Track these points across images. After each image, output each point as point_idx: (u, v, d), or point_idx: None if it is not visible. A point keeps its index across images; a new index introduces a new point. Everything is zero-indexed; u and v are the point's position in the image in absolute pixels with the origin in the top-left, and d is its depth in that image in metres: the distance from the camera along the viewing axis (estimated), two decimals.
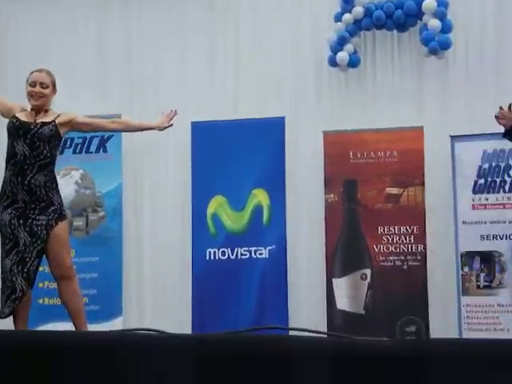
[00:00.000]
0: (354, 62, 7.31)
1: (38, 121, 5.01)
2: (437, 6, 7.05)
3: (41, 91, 5.04)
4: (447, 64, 7.25)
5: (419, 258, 7.06)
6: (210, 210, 7.41)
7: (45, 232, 4.92)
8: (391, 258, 7.14)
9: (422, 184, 7.10)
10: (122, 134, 7.45)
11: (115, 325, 7.13)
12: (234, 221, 7.41)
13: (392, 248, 7.14)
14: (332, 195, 7.31)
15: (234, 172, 7.39)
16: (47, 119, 5.05)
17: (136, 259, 7.60)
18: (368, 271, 7.19)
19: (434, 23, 7.03)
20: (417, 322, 6.98)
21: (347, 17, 7.24)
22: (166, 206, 7.64)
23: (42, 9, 7.91)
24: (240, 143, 7.41)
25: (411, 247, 7.10)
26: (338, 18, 7.30)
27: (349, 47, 7.27)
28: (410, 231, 7.12)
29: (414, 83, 7.36)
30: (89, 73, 7.68)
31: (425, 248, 7.05)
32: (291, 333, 5.97)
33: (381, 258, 7.15)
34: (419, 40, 7.18)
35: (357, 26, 7.26)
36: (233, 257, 7.36)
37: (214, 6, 7.74)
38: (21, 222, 4.93)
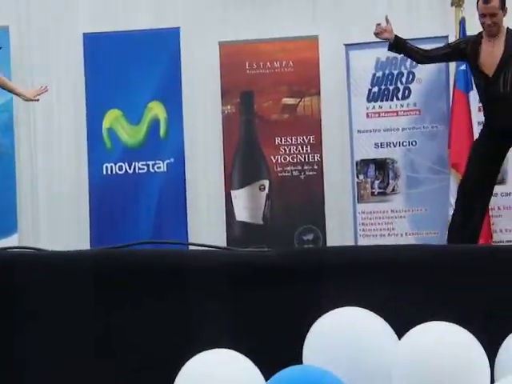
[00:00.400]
0: None
1: None
2: None
3: None
4: None
5: (316, 167, 7.13)
6: (106, 124, 7.27)
7: None
8: (288, 168, 7.19)
9: (318, 94, 7.12)
10: (11, 45, 7.23)
11: (10, 242, 6.97)
12: (130, 134, 7.29)
13: (289, 158, 7.18)
14: (229, 107, 7.26)
15: (130, 85, 7.22)
16: None
17: (30, 175, 7.41)
18: (266, 182, 7.23)
19: None
20: (314, 231, 7.10)
21: None
22: (59, 120, 7.45)
23: None
24: (135, 55, 7.23)
25: (308, 157, 7.16)
26: None
27: None
28: (306, 141, 7.16)
29: None
30: None
31: (321, 157, 7.12)
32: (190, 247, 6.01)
33: (278, 169, 7.20)
34: None
35: None
36: (130, 171, 7.27)
37: None
38: None
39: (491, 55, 5.58)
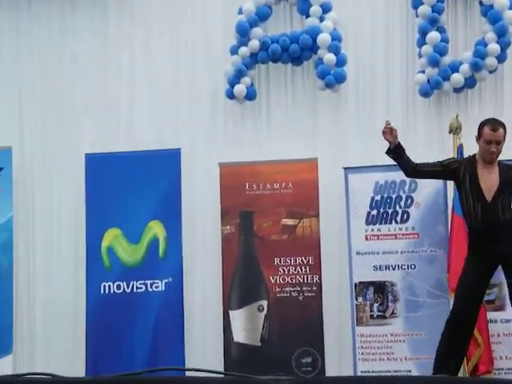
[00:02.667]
0: (251, 95, 7.37)
1: None
2: (331, 40, 7.17)
3: None
4: (340, 97, 7.38)
5: (315, 288, 7.11)
6: (105, 243, 7.29)
7: None
8: (287, 288, 7.18)
9: (317, 215, 7.17)
10: (13, 166, 7.32)
11: (5, 363, 6.94)
12: (129, 253, 7.30)
13: (288, 279, 7.17)
14: (228, 227, 7.30)
15: (130, 204, 7.29)
16: None
17: (27, 295, 7.41)
18: (265, 302, 7.20)
19: (329, 57, 7.15)
20: (312, 353, 7.02)
21: (243, 50, 7.29)
22: (59, 239, 7.49)
23: None
24: (136, 175, 7.32)
25: (307, 278, 7.15)
26: (234, 51, 7.34)
27: (246, 80, 7.32)
28: (305, 262, 7.17)
29: (308, 116, 7.45)
30: None
31: (320, 279, 7.11)
32: (188, 373, 5.94)
33: (277, 289, 7.18)
34: (315, 73, 7.28)
35: (253, 59, 7.31)
36: (128, 290, 7.25)
37: (108, 39, 7.65)
38: None
39: (489, 181, 5.68)
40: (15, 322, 7.23)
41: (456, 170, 5.75)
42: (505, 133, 5.73)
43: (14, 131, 7.53)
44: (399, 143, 5.79)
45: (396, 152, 5.79)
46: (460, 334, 5.64)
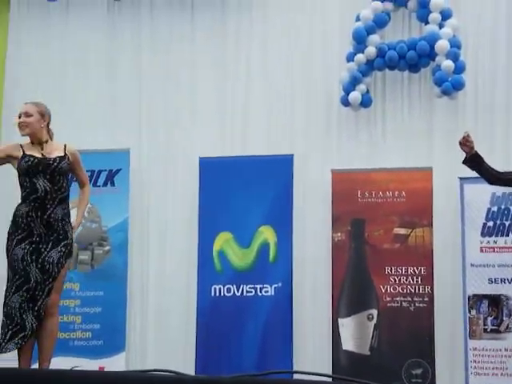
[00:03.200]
0: (366, 102, 7.32)
1: (51, 155, 5.08)
2: (450, 46, 7.05)
3: (25, 120, 5.10)
4: (457, 105, 7.25)
5: (426, 299, 7.00)
6: (216, 247, 7.37)
7: (56, 270, 4.98)
8: (398, 298, 7.09)
9: (430, 225, 7.06)
10: (131, 167, 7.49)
11: (117, 360, 7.08)
12: (240, 258, 7.36)
13: (399, 289, 7.08)
14: (339, 234, 7.27)
15: (242, 209, 7.35)
16: (60, 153, 5.11)
17: (140, 295, 7.54)
18: (374, 311, 7.13)
19: (448, 64, 7.03)
20: (423, 365, 6.90)
21: (360, 57, 7.25)
22: (172, 241, 7.60)
23: (54, 42, 7.91)
24: (248, 180, 7.38)
25: (418, 288, 7.04)
26: (350, 58, 7.30)
27: (361, 87, 7.28)
28: (417, 272, 7.07)
29: (423, 124, 7.35)
30: (98, 106, 7.65)
31: (432, 290, 6.99)
32: (296, 375, 5.93)
33: (387, 299, 7.10)
34: (432, 80, 7.18)
35: (369, 66, 7.26)
36: (238, 294, 7.31)
37: (226, 44, 7.74)
38: (33, 257, 4.98)
39: None
40: (128, 321, 7.38)
41: None
42: None
43: (133, 133, 7.68)
44: (476, 152, 5.63)
45: (474, 161, 5.63)
46: None
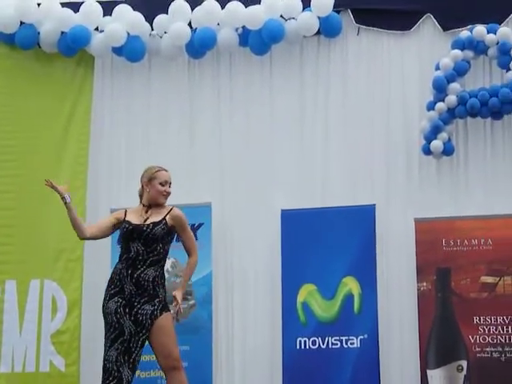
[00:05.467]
0: (448, 151, 7.28)
1: (148, 221, 5.18)
2: None
3: (169, 191, 5.28)
4: None
5: None
6: (300, 299, 7.34)
7: (149, 321, 5.04)
8: (488, 349, 6.96)
9: None
10: (212, 221, 7.53)
11: None
12: (324, 309, 7.32)
13: (489, 339, 6.96)
14: (425, 283, 7.18)
15: (324, 260, 7.33)
16: (159, 217, 5.18)
17: (226, 348, 7.52)
18: (464, 362, 7.00)
19: None
20: None
21: (440, 105, 7.22)
22: (256, 294, 7.58)
23: (136, 104, 8.06)
24: (330, 231, 7.37)
25: (509, 338, 6.91)
26: (430, 107, 7.29)
27: (443, 135, 7.24)
28: (507, 321, 6.95)
29: (508, 170, 7.27)
30: (180, 164, 7.68)
31: None
32: None
33: (477, 349, 6.98)
34: None
35: (450, 115, 7.23)
36: (323, 346, 7.26)
37: (304, 96, 7.78)
38: (126, 310, 5.05)
39: None
40: (214, 375, 7.36)
41: None
42: None
43: (214, 187, 7.73)
44: None
45: None
46: None
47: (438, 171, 7.44)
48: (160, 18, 7.70)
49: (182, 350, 7.15)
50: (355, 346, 7.19)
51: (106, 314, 5.11)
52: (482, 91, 7.15)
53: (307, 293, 7.36)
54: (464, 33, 7.28)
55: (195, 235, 7.53)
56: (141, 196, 5.36)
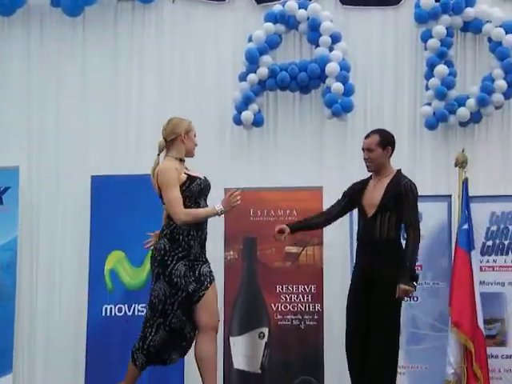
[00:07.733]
0: (258, 122, 7.40)
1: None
2: (339, 69, 7.20)
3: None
4: (346, 127, 7.41)
5: (316, 317, 7.11)
6: (108, 266, 7.30)
7: (208, 280, 5.29)
8: (288, 316, 7.17)
9: (321, 243, 7.16)
10: (20, 185, 7.34)
11: (4, 382, 6.92)
12: (132, 277, 7.31)
13: (290, 307, 7.17)
14: (231, 252, 7.30)
15: (134, 227, 7.26)
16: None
17: (29, 315, 7.41)
18: (266, 330, 7.19)
19: (337, 86, 7.18)
20: (313, 383, 7.00)
21: (252, 77, 7.32)
22: (62, 261, 7.51)
23: None
24: (141, 198, 7.31)
25: (308, 306, 7.14)
26: (242, 78, 7.37)
27: (253, 107, 7.35)
28: (307, 290, 7.17)
29: (314, 144, 7.48)
30: None
31: (322, 308, 7.10)
32: None
33: (278, 317, 7.17)
34: (322, 102, 7.31)
35: (261, 86, 7.35)
36: (129, 313, 7.26)
37: (118, 65, 7.68)
38: (190, 273, 5.18)
39: (372, 196, 5.64)
40: (16, 342, 7.24)
41: (350, 193, 5.87)
42: (379, 139, 5.64)
43: (22, 151, 7.54)
44: (291, 226, 5.94)
45: (294, 230, 5.95)
46: (352, 360, 5.60)
47: (248, 142, 7.55)
48: None
49: None
50: None
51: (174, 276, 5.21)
52: (292, 65, 7.29)
53: (116, 260, 7.32)
54: (277, 7, 7.39)
55: (1, 199, 7.35)
56: (162, 149, 5.20)
